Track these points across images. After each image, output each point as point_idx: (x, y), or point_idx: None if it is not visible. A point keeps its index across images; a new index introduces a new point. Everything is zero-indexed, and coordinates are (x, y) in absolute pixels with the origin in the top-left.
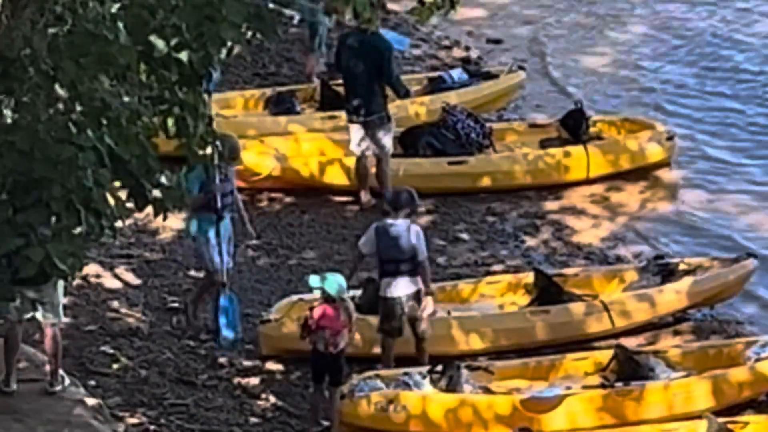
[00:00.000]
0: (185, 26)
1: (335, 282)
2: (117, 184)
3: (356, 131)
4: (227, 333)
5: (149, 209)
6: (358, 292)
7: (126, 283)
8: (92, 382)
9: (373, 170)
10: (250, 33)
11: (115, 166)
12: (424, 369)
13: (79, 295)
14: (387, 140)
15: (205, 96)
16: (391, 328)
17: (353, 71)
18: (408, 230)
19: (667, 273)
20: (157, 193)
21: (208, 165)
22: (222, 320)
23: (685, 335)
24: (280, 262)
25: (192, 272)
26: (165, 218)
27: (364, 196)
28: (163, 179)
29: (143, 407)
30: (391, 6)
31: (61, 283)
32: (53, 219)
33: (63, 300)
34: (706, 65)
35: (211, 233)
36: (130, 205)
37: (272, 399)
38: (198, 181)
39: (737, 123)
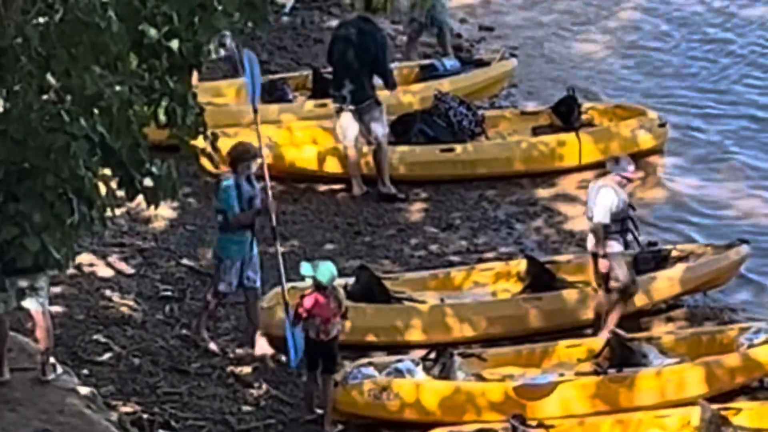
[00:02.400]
0: (176, 15)
1: (327, 270)
2: (108, 173)
3: (346, 119)
4: (298, 354)
5: (142, 198)
6: (351, 280)
7: (119, 272)
8: (85, 371)
9: (366, 158)
10: (242, 21)
11: (106, 155)
12: (417, 356)
13: (72, 284)
14: (380, 126)
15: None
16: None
17: (345, 58)
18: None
19: (660, 260)
20: (148, 182)
21: (239, 180)
22: (290, 343)
23: (678, 322)
24: (271, 250)
25: (185, 260)
26: (156, 207)
27: (356, 185)
28: (154, 169)
29: (136, 396)
30: None
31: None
32: (47, 208)
33: (54, 288)
34: (699, 52)
35: (243, 253)
36: (121, 194)
37: (265, 387)
38: (236, 198)
39: (729, 110)
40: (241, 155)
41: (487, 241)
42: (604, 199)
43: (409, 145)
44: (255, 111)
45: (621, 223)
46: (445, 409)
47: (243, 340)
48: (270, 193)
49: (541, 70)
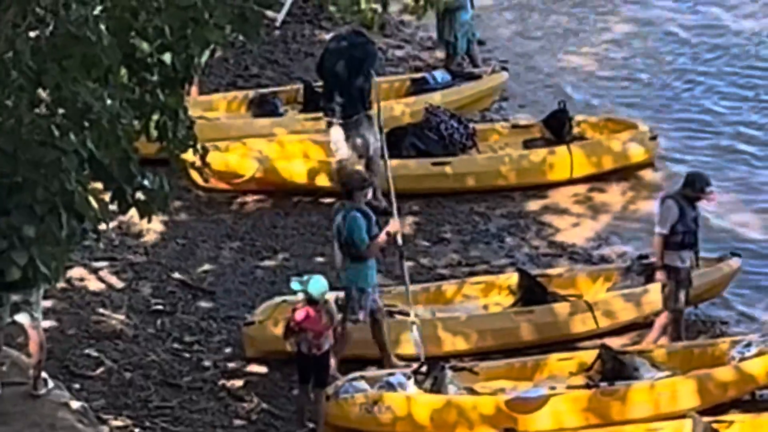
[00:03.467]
0: (168, 28)
1: (318, 284)
2: (100, 186)
3: (337, 133)
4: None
5: (133, 212)
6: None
7: (110, 286)
8: (77, 385)
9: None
10: (233, 35)
11: (96, 169)
12: (409, 370)
13: (63, 298)
14: (370, 137)
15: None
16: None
17: (335, 71)
18: None
19: (651, 273)
20: (140, 195)
21: (360, 208)
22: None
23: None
24: (263, 263)
25: (176, 274)
26: (149, 220)
27: None
28: (146, 182)
29: (128, 410)
30: (375, 6)
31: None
32: (37, 222)
33: (45, 303)
34: (689, 65)
35: (375, 278)
36: (113, 207)
37: (256, 401)
38: (366, 227)
39: (720, 122)
40: (359, 184)
41: (479, 254)
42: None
43: (401, 159)
44: (381, 128)
45: (683, 236)
46: (437, 423)
47: (234, 354)
48: (395, 212)
49: (532, 84)
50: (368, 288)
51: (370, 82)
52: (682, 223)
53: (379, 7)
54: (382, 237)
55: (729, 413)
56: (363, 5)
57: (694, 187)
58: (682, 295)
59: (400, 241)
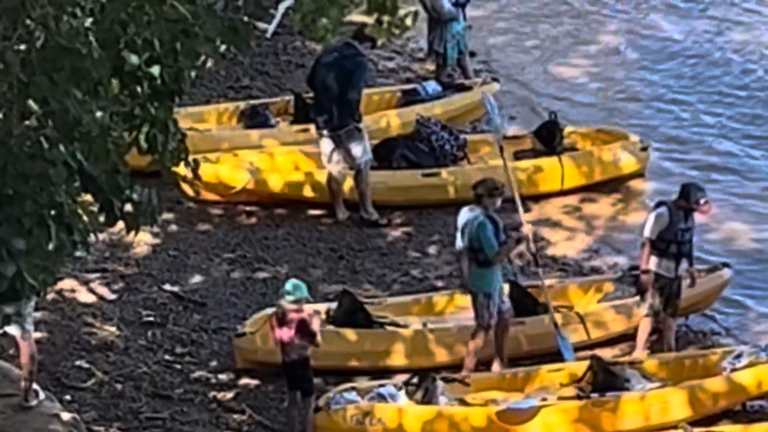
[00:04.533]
0: (158, 41)
1: (293, 284)
2: (89, 198)
3: (327, 144)
4: (569, 355)
5: (122, 224)
6: (333, 305)
7: (101, 298)
8: (68, 397)
9: (349, 183)
10: (224, 47)
11: (86, 181)
12: (400, 381)
13: (54, 310)
14: (359, 150)
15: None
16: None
17: (325, 83)
18: None
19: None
20: (128, 208)
21: (489, 214)
22: (568, 355)
23: (660, 346)
24: (254, 275)
25: (167, 286)
26: (136, 233)
27: (339, 210)
28: (134, 195)
29: (119, 421)
30: (362, 19)
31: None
32: (25, 234)
33: (36, 314)
34: (680, 76)
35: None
36: (102, 219)
37: (248, 412)
38: (494, 233)
39: (711, 134)
40: (491, 191)
41: None
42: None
43: (392, 170)
44: (501, 149)
45: (667, 244)
46: None
47: (225, 366)
48: (525, 220)
49: (523, 95)
50: (495, 293)
51: (361, 94)
52: (670, 231)
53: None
54: (511, 244)
55: (720, 424)
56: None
57: (689, 199)
58: (657, 302)
59: (533, 247)
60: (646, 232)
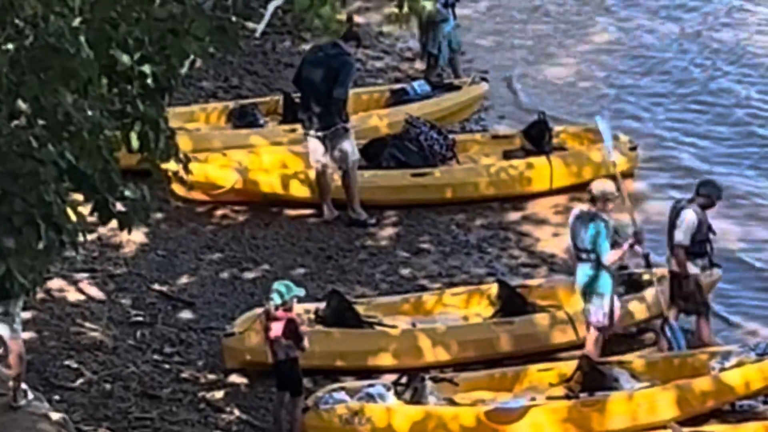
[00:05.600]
0: (148, 40)
1: (290, 286)
2: (80, 197)
3: (314, 144)
4: (682, 344)
5: (114, 223)
6: (322, 305)
7: (90, 297)
8: (56, 397)
9: (337, 182)
10: (213, 46)
11: (77, 180)
12: (389, 381)
13: (43, 310)
14: (347, 149)
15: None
16: None
17: (312, 82)
18: None
19: (631, 283)
20: (121, 206)
21: (608, 219)
22: (675, 341)
23: (649, 345)
24: (243, 275)
25: (156, 286)
26: (130, 232)
27: (327, 210)
28: (127, 193)
29: (108, 421)
30: (355, 18)
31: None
32: (15, 233)
33: (25, 314)
34: (669, 75)
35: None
36: (92, 219)
37: (237, 412)
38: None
39: (700, 132)
40: (607, 195)
41: (459, 265)
42: (686, 221)
43: (380, 170)
44: (614, 164)
45: (699, 245)
46: None
47: (214, 365)
48: (638, 221)
49: (511, 94)
50: (608, 294)
51: (348, 93)
52: (701, 232)
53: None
54: (625, 246)
55: (709, 424)
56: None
57: (711, 196)
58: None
59: (644, 249)
60: (682, 239)
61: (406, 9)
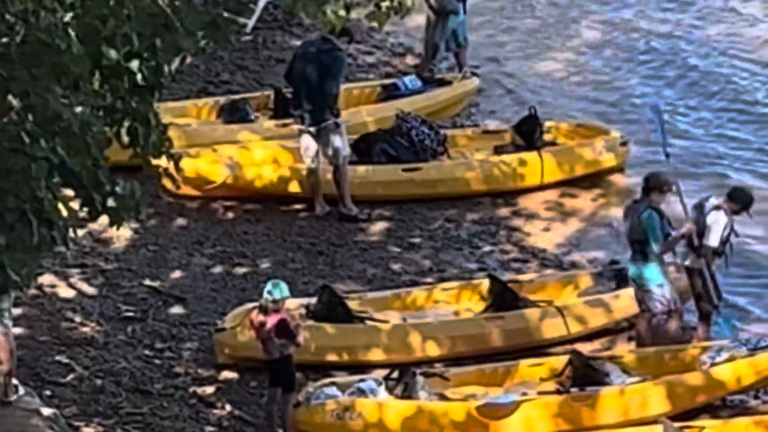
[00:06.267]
0: (137, 35)
1: (281, 285)
2: (71, 193)
3: (306, 139)
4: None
5: (104, 219)
6: (313, 300)
7: (81, 293)
8: (48, 392)
9: (329, 178)
10: (204, 41)
11: (66, 176)
12: (380, 376)
13: (34, 305)
14: (339, 144)
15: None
16: None
17: (304, 78)
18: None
19: (622, 278)
20: (111, 202)
21: (661, 209)
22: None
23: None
24: (234, 270)
25: (147, 281)
26: (119, 227)
27: (318, 205)
28: (117, 188)
29: (99, 417)
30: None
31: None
32: (7, 229)
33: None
34: (660, 70)
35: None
36: (83, 214)
37: (228, 407)
38: (660, 226)
39: (692, 128)
40: (662, 186)
41: (450, 260)
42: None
43: (371, 165)
44: (667, 156)
45: (722, 246)
46: (408, 429)
47: (205, 361)
48: (688, 211)
49: (502, 90)
50: (666, 283)
51: (339, 88)
52: (726, 234)
53: (342, 12)
54: (677, 237)
55: (700, 419)
56: (328, 12)
57: (746, 205)
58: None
59: (696, 241)
60: (714, 243)
61: (384, 8)
